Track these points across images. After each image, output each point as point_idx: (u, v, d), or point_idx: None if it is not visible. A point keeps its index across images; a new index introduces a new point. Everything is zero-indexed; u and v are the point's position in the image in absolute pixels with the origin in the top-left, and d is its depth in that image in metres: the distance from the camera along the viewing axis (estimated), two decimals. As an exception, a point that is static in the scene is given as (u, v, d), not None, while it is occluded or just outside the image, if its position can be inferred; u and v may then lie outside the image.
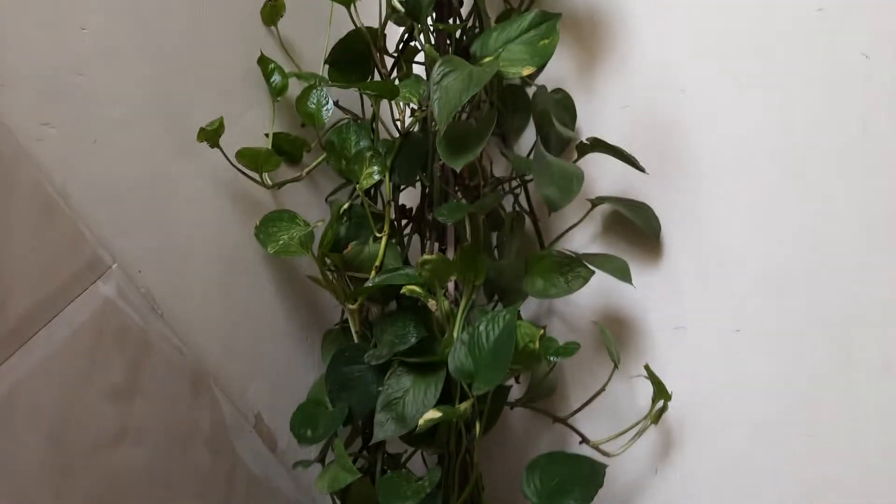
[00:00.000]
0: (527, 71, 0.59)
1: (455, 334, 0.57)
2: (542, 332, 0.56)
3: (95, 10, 0.52)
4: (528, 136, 0.77)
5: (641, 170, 0.62)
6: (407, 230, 0.70)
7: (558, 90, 0.72)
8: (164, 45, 0.57)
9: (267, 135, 0.66)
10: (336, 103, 0.69)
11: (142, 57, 0.56)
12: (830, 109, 0.60)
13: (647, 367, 0.60)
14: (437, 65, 0.53)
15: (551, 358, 0.57)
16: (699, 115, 0.67)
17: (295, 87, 0.69)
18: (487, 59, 0.60)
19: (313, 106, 0.63)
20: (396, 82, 0.68)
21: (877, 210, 0.59)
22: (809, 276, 0.62)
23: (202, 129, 0.56)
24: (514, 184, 0.70)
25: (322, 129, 0.65)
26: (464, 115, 0.68)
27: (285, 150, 0.68)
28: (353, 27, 0.66)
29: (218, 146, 0.58)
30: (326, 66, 0.67)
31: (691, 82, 0.67)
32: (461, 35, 0.70)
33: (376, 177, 0.59)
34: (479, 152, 0.53)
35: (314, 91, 0.64)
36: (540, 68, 0.66)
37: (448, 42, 0.71)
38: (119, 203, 0.53)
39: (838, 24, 0.59)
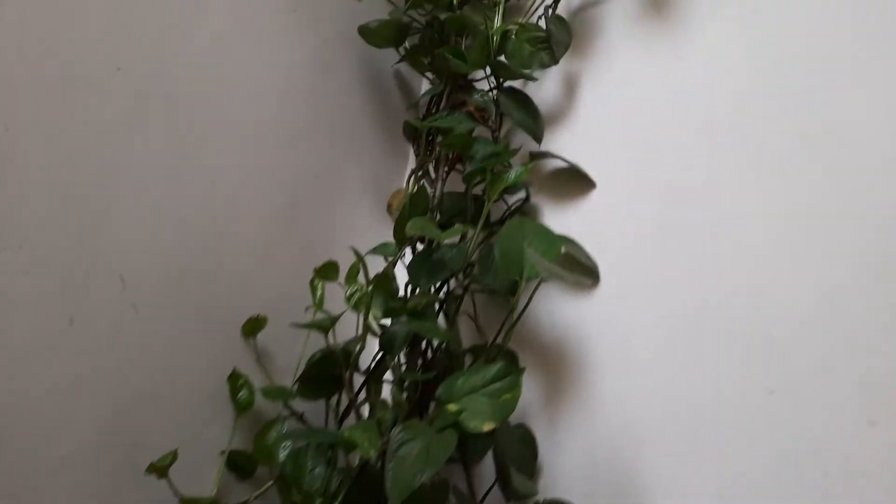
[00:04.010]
0: (487, 427, 0.60)
1: None
2: None
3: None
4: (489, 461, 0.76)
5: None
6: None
7: (521, 425, 0.73)
8: (128, 375, 0.59)
9: (223, 452, 0.65)
10: (301, 416, 0.70)
11: (102, 389, 0.56)
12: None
13: None
14: (395, 430, 0.54)
15: None
16: (659, 470, 0.67)
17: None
18: (451, 407, 0.61)
19: (272, 440, 0.63)
20: (365, 408, 0.69)
21: None
22: None
23: (152, 465, 0.55)
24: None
25: (276, 466, 0.65)
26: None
27: (239, 465, 0.66)
28: (328, 346, 0.69)
29: (167, 477, 0.57)
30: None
31: (651, 436, 0.68)
32: (430, 366, 0.73)
33: (324, 526, 0.57)
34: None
35: (276, 425, 0.64)
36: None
37: (419, 363, 0.74)
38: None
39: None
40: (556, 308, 0.81)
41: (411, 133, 0.94)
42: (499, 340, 0.69)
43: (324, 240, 0.85)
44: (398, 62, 0.98)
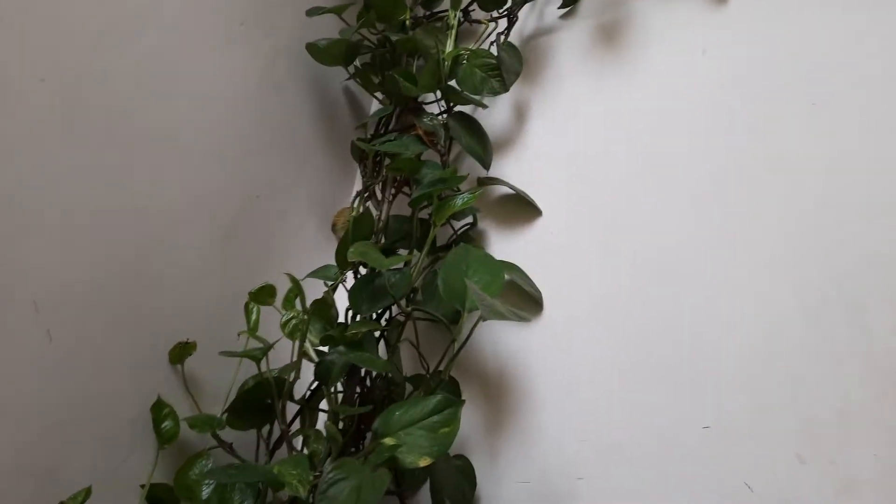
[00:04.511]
0: (424, 462, 0.58)
1: None
2: None
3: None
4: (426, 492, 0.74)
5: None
6: None
7: (460, 456, 0.71)
8: (40, 404, 0.55)
9: (143, 486, 0.61)
10: (230, 447, 0.66)
11: (12, 419, 0.52)
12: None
13: None
14: (327, 467, 0.52)
15: None
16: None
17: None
18: (388, 441, 0.60)
19: (195, 477, 0.60)
20: (299, 439, 0.66)
21: None
22: None
23: (62, 504, 0.51)
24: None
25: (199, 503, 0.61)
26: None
27: (161, 500, 0.62)
28: (261, 373, 0.67)
29: (78, 516, 0.53)
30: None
31: (589, 471, 0.68)
32: (369, 395, 0.71)
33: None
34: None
35: (200, 460, 0.61)
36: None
37: (358, 392, 0.72)
38: None
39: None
40: (499, 336, 0.80)
41: (358, 153, 0.92)
42: (441, 369, 0.68)
43: (264, 261, 0.82)
44: (348, 79, 0.97)
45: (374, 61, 0.94)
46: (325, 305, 0.65)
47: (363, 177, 0.87)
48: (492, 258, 0.70)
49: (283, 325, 0.65)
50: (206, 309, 0.73)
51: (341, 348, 0.62)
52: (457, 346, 0.65)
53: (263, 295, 0.71)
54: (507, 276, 0.78)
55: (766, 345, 0.63)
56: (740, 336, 0.64)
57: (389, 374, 0.71)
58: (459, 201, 0.74)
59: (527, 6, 0.99)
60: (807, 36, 0.73)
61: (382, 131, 0.91)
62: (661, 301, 0.71)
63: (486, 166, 0.86)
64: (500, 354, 0.78)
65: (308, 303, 0.68)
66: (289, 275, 0.63)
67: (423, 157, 0.86)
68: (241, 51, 0.81)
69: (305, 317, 0.63)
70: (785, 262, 0.64)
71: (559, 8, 0.96)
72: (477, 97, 0.85)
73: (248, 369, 0.71)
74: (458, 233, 0.85)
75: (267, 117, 0.85)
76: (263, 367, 0.67)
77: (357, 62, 0.93)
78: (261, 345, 0.67)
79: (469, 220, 0.87)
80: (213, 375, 0.71)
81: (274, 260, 0.83)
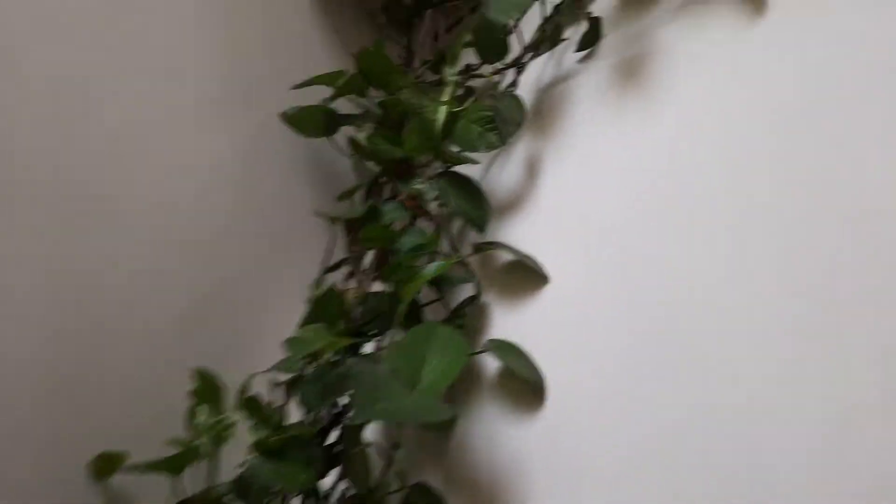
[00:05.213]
0: None
1: None
2: None
3: None
4: None
5: None
6: None
7: None
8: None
9: None
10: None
11: None
12: None
13: None
14: None
15: None
16: None
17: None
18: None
19: None
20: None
21: None
22: None
23: None
24: None
25: None
26: None
27: None
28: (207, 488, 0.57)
29: None
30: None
31: None
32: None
33: None
34: None
35: None
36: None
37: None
38: None
39: None
40: (497, 430, 0.65)
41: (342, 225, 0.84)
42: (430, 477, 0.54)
43: (239, 352, 0.74)
44: (351, 155, 0.91)
45: (377, 130, 0.88)
46: (254, 404, 0.55)
47: (348, 251, 0.78)
48: (460, 339, 0.57)
49: (207, 430, 0.55)
50: (156, 411, 0.65)
51: (254, 460, 0.51)
52: (396, 451, 0.51)
53: (208, 394, 0.62)
54: (499, 361, 0.65)
55: (838, 432, 0.44)
56: (806, 420, 0.45)
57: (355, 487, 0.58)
58: (433, 268, 0.62)
59: (543, 56, 0.89)
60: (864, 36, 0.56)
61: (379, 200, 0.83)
62: (693, 381, 0.54)
63: (481, 230, 0.74)
64: (496, 457, 0.63)
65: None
66: (197, 369, 0.54)
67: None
68: (218, 128, 0.78)
69: (230, 419, 0.53)
70: (851, 318, 0.45)
71: (576, 51, 0.85)
72: (471, 155, 0.75)
73: (195, 483, 0.61)
74: (454, 309, 0.73)
75: (247, 196, 0.80)
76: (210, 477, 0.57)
77: (361, 133, 0.87)
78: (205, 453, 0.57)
79: (472, 292, 0.74)
80: (154, 490, 0.62)
81: (253, 351, 0.75)
